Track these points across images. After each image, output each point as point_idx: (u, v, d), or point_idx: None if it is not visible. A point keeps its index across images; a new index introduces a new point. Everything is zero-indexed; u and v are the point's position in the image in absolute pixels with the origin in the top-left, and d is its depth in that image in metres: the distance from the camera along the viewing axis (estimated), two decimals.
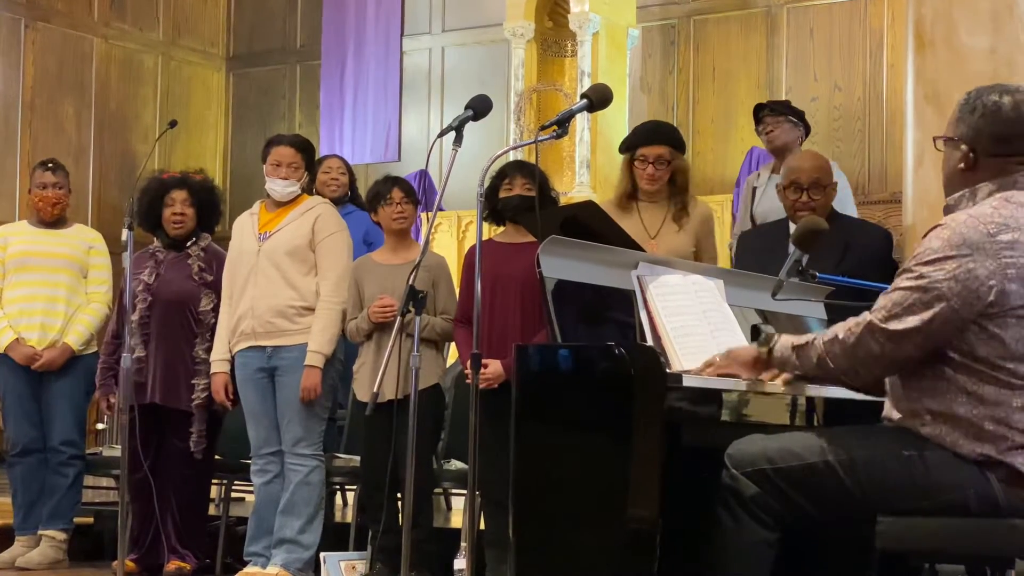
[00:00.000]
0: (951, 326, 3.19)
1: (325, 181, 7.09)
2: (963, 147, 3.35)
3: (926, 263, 3.21)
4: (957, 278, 3.17)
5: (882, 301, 3.26)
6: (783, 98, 10.08)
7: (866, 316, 3.27)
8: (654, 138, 5.37)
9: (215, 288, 6.05)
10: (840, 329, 3.30)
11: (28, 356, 6.44)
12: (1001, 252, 3.18)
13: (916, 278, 3.21)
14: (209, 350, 5.98)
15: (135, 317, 5.97)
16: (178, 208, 6.12)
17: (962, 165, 3.35)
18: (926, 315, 3.19)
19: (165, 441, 6.02)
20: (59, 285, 6.53)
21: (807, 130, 6.82)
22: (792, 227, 5.07)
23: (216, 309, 6.02)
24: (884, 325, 3.22)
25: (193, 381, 5.99)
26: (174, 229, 6.12)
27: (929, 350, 3.23)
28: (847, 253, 4.75)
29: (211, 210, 6.27)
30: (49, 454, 6.50)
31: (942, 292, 3.17)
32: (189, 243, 6.15)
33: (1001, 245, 3.18)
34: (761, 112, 6.81)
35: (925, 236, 3.29)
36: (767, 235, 5.33)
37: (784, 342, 3.41)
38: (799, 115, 6.80)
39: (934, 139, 3.45)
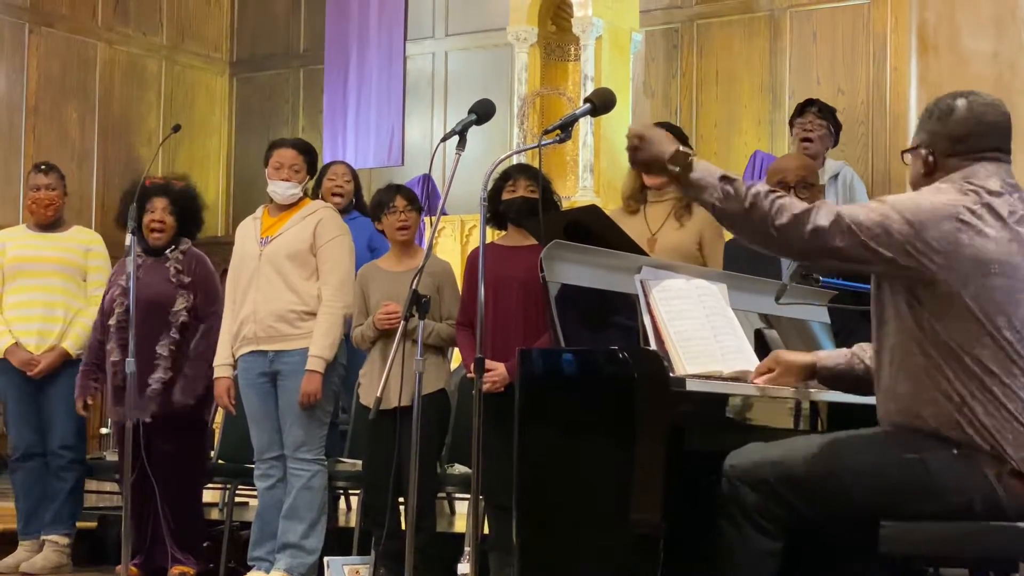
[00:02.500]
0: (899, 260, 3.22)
1: (330, 188, 6.86)
2: (923, 151, 3.41)
3: (903, 208, 3.24)
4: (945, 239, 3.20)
5: (860, 213, 3.24)
6: (786, 102, 10.10)
7: (833, 209, 3.25)
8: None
9: (191, 289, 6.06)
10: (794, 200, 3.27)
11: (25, 361, 6.44)
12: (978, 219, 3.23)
13: (894, 218, 3.22)
14: (171, 346, 6.00)
15: (112, 321, 5.99)
16: (158, 216, 6.11)
17: (923, 170, 3.41)
18: (886, 246, 3.21)
19: (150, 444, 5.97)
20: (55, 290, 6.51)
21: (834, 144, 6.68)
22: None
23: (189, 310, 6.04)
24: (861, 237, 3.21)
25: (149, 378, 5.96)
26: (153, 238, 6.11)
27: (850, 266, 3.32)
28: None
29: (192, 217, 6.26)
30: (49, 458, 6.49)
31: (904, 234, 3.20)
32: (168, 249, 6.13)
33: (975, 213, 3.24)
34: (811, 107, 6.61)
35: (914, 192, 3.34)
36: None
37: (708, 167, 3.33)
38: (838, 129, 6.66)
39: (901, 153, 3.52)
